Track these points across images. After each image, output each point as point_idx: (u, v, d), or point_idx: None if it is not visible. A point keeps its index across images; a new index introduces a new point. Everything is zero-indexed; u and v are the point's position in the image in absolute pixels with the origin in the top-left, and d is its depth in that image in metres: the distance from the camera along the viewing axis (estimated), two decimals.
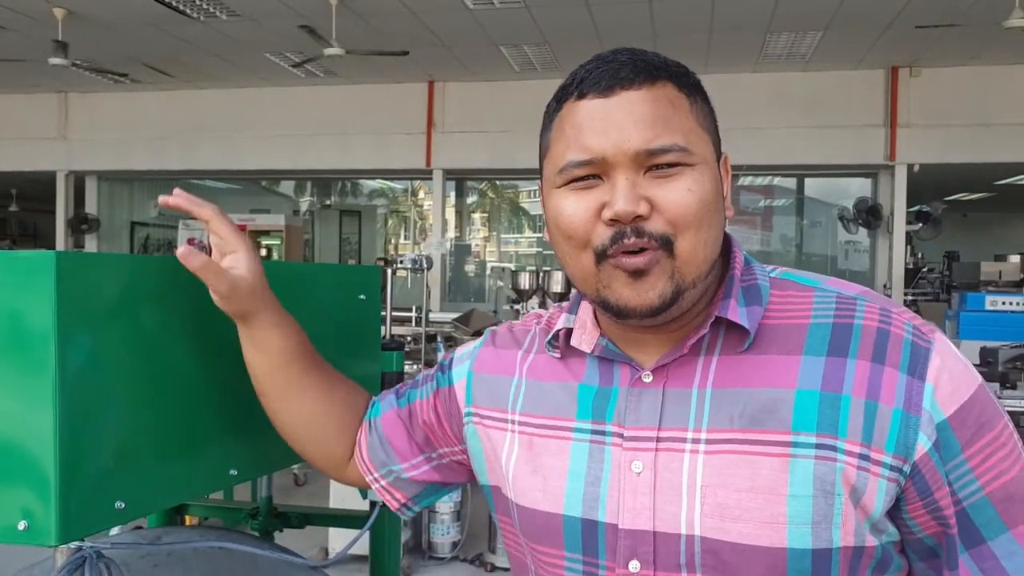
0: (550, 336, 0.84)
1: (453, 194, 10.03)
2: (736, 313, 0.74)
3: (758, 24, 6.68)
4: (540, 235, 12.43)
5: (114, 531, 1.35)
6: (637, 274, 0.71)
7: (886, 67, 7.89)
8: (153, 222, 11.32)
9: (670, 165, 0.71)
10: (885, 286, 8.20)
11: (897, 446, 0.68)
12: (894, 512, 0.71)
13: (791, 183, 9.65)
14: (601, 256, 0.72)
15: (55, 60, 6.62)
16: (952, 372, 0.70)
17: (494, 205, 12.34)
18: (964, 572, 0.70)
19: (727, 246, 0.81)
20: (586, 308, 0.84)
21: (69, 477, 0.73)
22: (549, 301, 6.39)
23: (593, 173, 0.72)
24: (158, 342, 0.85)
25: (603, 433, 0.77)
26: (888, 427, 0.68)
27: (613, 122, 0.71)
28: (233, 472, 0.96)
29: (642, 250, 0.71)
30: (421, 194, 12.15)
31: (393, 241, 12.63)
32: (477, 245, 11.85)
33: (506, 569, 4.15)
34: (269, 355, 0.89)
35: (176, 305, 0.87)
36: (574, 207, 0.73)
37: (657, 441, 0.74)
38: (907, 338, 0.71)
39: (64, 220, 10.16)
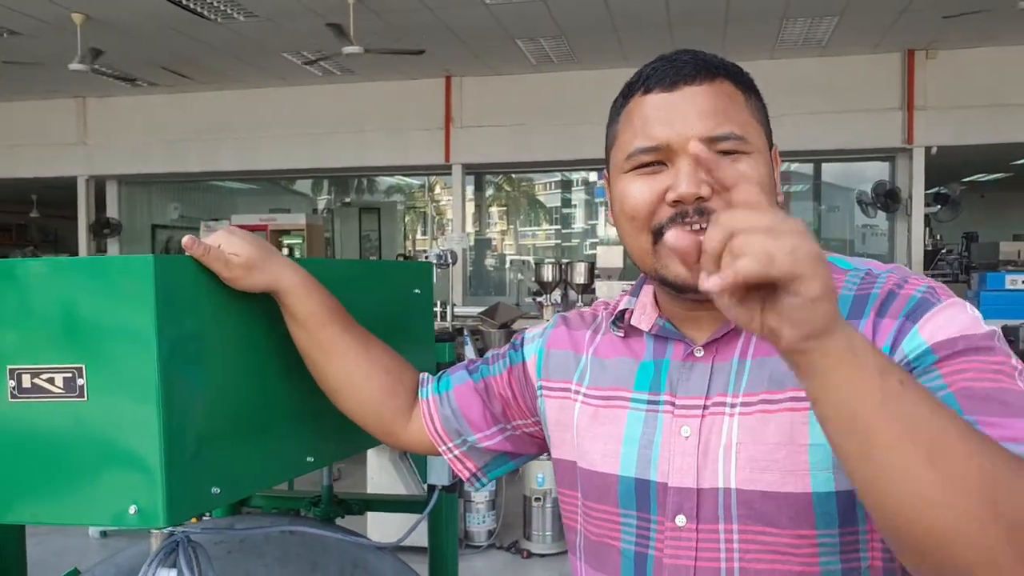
0: (614, 316, 0.92)
1: (471, 188, 10.07)
2: None
3: (773, 11, 6.67)
4: (558, 227, 12.44)
5: None
6: None
7: (902, 50, 7.85)
8: (174, 224, 11.46)
9: (729, 152, 0.78)
10: None
11: None
12: None
13: (808, 168, 9.64)
14: (658, 234, 0.79)
15: (75, 66, 6.71)
16: (952, 318, 0.73)
17: (511, 198, 12.36)
18: None
19: None
20: (647, 291, 0.92)
21: (173, 465, 0.78)
22: (572, 292, 6.43)
23: (658, 160, 0.80)
24: (241, 338, 0.91)
25: (656, 403, 0.85)
26: None
27: (677, 113, 0.79)
28: (310, 459, 1.02)
29: (703, 229, 0.74)
30: (438, 189, 12.20)
31: (410, 236, 12.70)
32: (495, 239, 11.89)
33: (541, 555, 4.21)
34: (302, 322, 0.95)
35: (253, 303, 0.92)
36: (639, 190, 0.81)
37: (704, 408, 0.81)
38: (915, 295, 0.76)
39: (86, 225, 10.29)
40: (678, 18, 6.79)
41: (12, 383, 0.79)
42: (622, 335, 0.92)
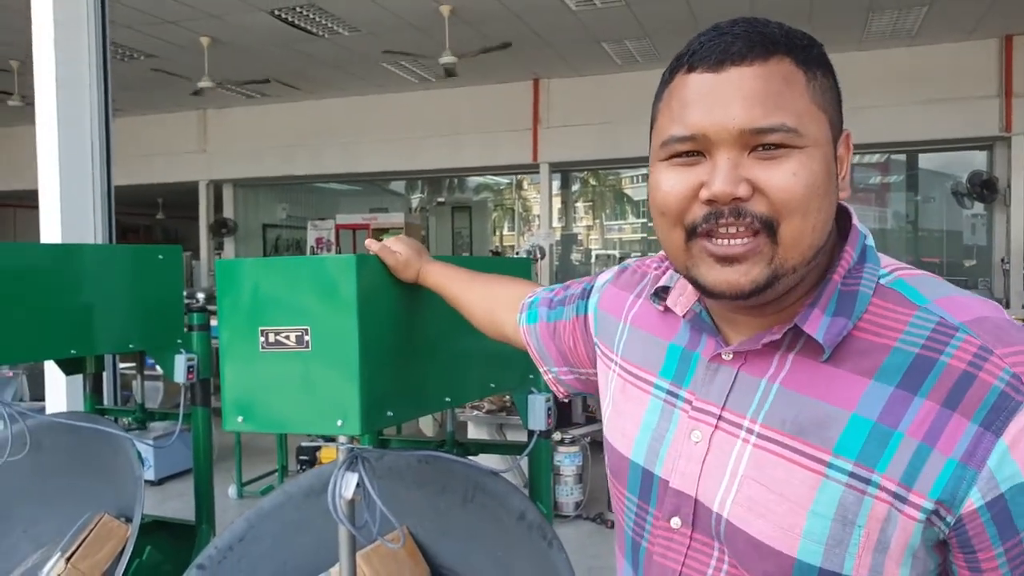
0: (654, 290, 0.88)
1: (557, 184, 10.41)
2: (816, 325, 0.70)
3: (859, 3, 6.73)
4: (644, 220, 12.62)
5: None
6: (729, 261, 0.70)
7: (999, 36, 7.69)
8: (282, 223, 12.29)
9: (776, 146, 0.68)
10: (1003, 260, 8.02)
11: (943, 492, 0.63)
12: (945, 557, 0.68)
13: (904, 156, 9.44)
14: (691, 233, 0.72)
15: (203, 83, 7.42)
16: None
17: (597, 193, 12.60)
18: None
19: (844, 233, 0.76)
20: None
21: (365, 394, 1.17)
22: None
23: (695, 149, 0.71)
24: (403, 313, 1.29)
25: (676, 396, 0.81)
26: (937, 474, 0.63)
27: (719, 99, 0.69)
28: (448, 399, 1.40)
29: (737, 231, 0.69)
30: (525, 185, 12.58)
31: (497, 233, 13.13)
32: (581, 233, 12.17)
33: None
34: (440, 290, 1.26)
35: (412, 288, 1.31)
36: (671, 183, 0.72)
37: (719, 419, 0.76)
38: (996, 386, 0.63)
39: (206, 225, 11.20)
40: (762, 14, 6.91)
41: (262, 339, 1.20)
42: (661, 309, 0.87)
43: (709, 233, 0.71)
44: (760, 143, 0.68)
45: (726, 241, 0.70)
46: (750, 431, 0.73)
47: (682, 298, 0.84)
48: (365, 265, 1.19)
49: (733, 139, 0.68)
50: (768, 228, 0.69)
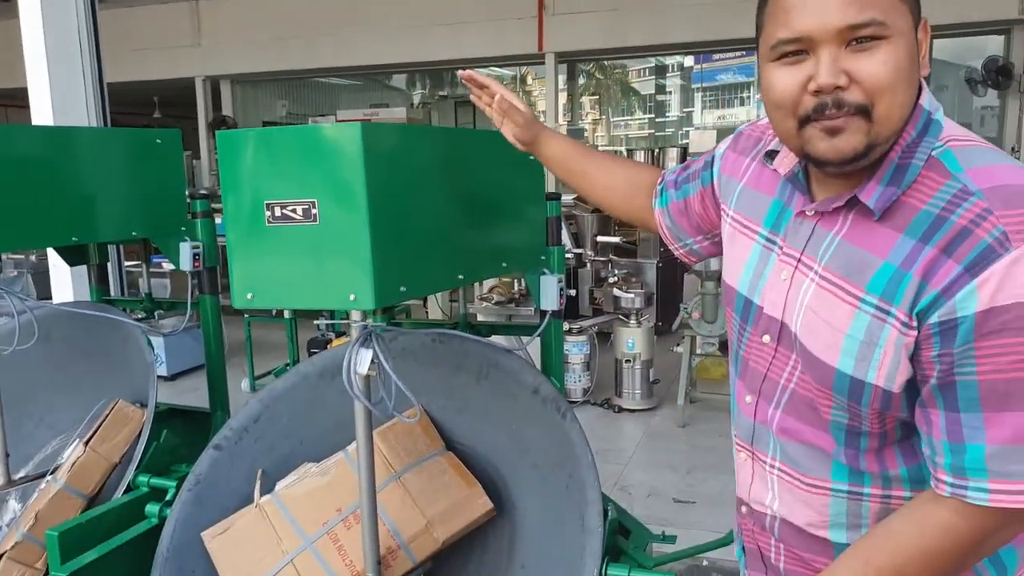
0: (766, 151, 1.06)
1: (563, 78, 10.12)
2: (870, 195, 0.88)
3: None
4: (651, 116, 12.35)
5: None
6: (833, 132, 0.85)
7: None
8: (282, 120, 12.04)
9: (868, 39, 0.82)
10: (1014, 149, 7.85)
11: (923, 313, 0.83)
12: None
13: None
14: (804, 121, 0.87)
15: None
16: (1016, 276, 0.77)
17: (603, 87, 12.27)
18: (936, 420, 0.85)
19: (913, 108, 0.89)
20: None
21: (377, 267, 1.14)
22: None
23: (800, 49, 0.85)
24: (416, 183, 1.25)
25: (773, 243, 1.02)
26: (925, 300, 0.82)
27: (818, 3, 0.82)
28: (460, 276, 1.37)
29: (839, 115, 0.84)
30: (530, 80, 12.27)
31: None
32: (587, 129, 11.92)
33: (631, 410, 4.66)
34: (553, 161, 1.35)
35: (427, 157, 1.26)
36: (784, 81, 0.87)
37: (798, 262, 0.96)
38: (986, 240, 0.79)
39: (205, 123, 10.97)
40: None
41: (268, 213, 1.16)
42: (772, 169, 1.04)
43: (818, 118, 0.86)
44: (855, 37, 0.82)
45: (831, 121, 0.85)
46: (816, 272, 0.93)
47: (785, 160, 1.02)
48: (371, 134, 1.14)
49: (833, 36, 0.82)
50: (863, 112, 0.84)
